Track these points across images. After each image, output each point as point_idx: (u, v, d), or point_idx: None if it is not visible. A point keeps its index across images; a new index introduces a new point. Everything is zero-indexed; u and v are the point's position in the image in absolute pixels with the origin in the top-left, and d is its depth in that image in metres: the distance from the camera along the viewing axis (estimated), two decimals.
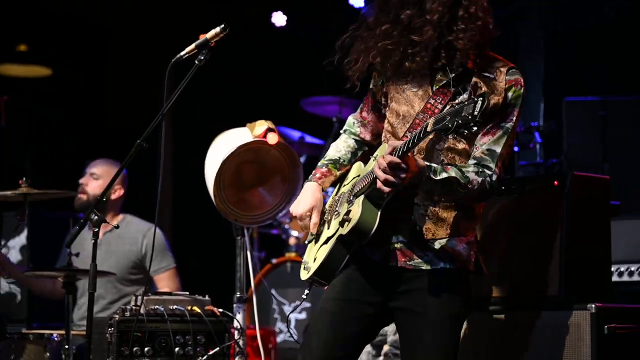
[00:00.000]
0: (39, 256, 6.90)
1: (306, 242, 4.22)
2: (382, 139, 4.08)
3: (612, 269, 5.34)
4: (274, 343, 7.74)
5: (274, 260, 8.23)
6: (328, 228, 4.04)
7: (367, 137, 4.23)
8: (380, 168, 3.66)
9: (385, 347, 5.97)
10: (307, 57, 9.46)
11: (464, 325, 4.70)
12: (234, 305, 5.49)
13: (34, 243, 6.97)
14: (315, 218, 4.08)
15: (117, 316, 5.19)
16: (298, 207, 4.11)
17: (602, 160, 8.14)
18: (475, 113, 3.46)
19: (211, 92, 9.28)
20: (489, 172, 3.85)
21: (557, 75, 9.48)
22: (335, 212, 4.03)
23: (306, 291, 4.17)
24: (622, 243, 5.48)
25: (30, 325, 6.69)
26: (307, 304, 8.02)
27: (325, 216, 4.11)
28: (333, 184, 4.25)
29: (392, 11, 3.93)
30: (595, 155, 8.19)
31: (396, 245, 3.91)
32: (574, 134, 8.41)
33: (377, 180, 3.68)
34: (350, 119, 4.26)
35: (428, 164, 3.75)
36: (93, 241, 4.36)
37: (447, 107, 3.79)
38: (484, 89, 3.85)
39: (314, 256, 4.03)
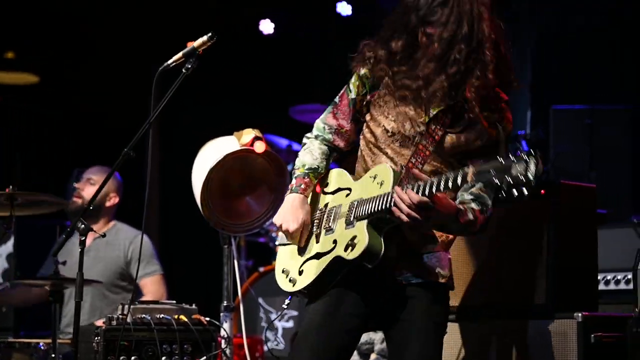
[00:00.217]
0: (25, 264, 6.87)
1: (278, 243, 4.18)
2: (363, 151, 4.07)
3: (599, 277, 5.34)
4: (261, 352, 7.72)
5: (261, 269, 8.20)
6: (317, 242, 4.00)
7: (342, 145, 4.16)
8: (404, 203, 3.65)
9: (373, 356, 5.97)
10: (295, 65, 9.50)
11: (452, 333, 4.72)
12: (221, 314, 5.48)
13: (21, 251, 6.95)
14: (305, 232, 4.05)
15: (103, 325, 5.17)
16: (290, 222, 4.01)
17: (589, 169, 8.15)
18: (530, 177, 3.44)
19: (198, 100, 9.26)
20: (488, 212, 3.92)
21: (544, 83, 9.48)
22: (328, 229, 3.97)
23: (287, 301, 4.16)
24: (609, 251, 5.48)
25: (17, 334, 6.67)
26: (294, 312, 8.00)
27: (314, 229, 4.06)
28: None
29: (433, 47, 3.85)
30: (582, 164, 8.20)
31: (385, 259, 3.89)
32: (561, 142, 8.42)
33: (398, 213, 3.68)
34: (320, 124, 4.16)
35: (457, 206, 3.79)
36: (80, 249, 4.34)
37: (455, 137, 3.88)
38: (484, 122, 3.88)
39: (299, 268, 4.00)
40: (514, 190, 3.47)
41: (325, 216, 4.02)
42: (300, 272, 3.98)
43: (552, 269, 4.52)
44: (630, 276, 5.36)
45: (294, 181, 4.10)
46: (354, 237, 3.81)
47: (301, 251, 4.05)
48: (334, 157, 4.19)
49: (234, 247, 5.57)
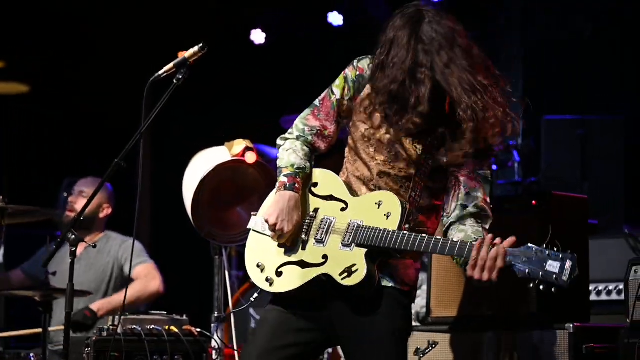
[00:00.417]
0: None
1: (253, 228, 4.06)
2: (346, 158, 4.06)
3: (591, 288, 5.33)
4: None
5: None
6: (303, 249, 3.92)
7: (322, 147, 4.10)
8: (486, 264, 3.68)
9: None
10: (287, 75, 9.49)
11: (443, 344, 4.71)
12: (212, 324, 5.46)
13: (11, 261, 6.94)
14: (295, 232, 3.95)
15: (94, 336, 5.15)
16: (286, 222, 3.90)
17: (582, 179, 8.14)
18: (565, 280, 3.47)
19: (189, 110, 9.25)
20: (487, 225, 3.94)
21: (536, 93, 9.48)
22: (318, 240, 3.91)
23: (255, 295, 4.11)
24: (601, 262, 5.48)
25: (8, 345, 6.64)
26: None
27: (302, 234, 3.97)
28: None
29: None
30: (574, 174, 8.19)
31: None
32: (552, 153, 8.41)
33: (477, 275, 3.72)
34: (300, 125, 4.09)
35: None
36: (70, 260, 4.31)
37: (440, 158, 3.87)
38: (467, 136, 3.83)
39: (277, 268, 3.93)
40: (541, 287, 3.51)
41: (316, 224, 3.95)
42: (279, 274, 3.91)
43: None
44: (621, 287, 5.36)
45: (285, 179, 3.97)
46: (353, 265, 3.77)
47: (280, 250, 3.96)
48: (313, 159, 4.12)
49: (224, 257, 5.55)
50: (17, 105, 9.58)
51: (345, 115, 4.05)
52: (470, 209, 3.90)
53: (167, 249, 9.59)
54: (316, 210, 3.97)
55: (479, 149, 3.86)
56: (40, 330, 5.52)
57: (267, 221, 3.92)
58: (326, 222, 3.93)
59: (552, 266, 3.46)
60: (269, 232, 3.95)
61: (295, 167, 3.98)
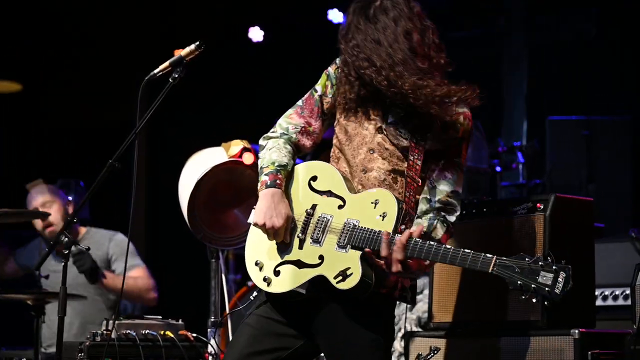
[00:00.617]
0: None
1: (250, 221, 3.99)
2: (331, 156, 4.02)
3: (596, 292, 5.28)
4: None
5: (250, 283, 8.10)
6: (300, 247, 3.86)
7: (307, 144, 4.05)
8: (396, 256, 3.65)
9: None
10: (284, 74, 9.44)
11: (445, 350, 4.65)
12: (209, 329, 5.39)
13: None
14: (289, 227, 3.89)
15: (87, 341, 5.07)
16: (275, 218, 3.83)
17: (587, 181, 8.09)
18: (557, 293, 3.46)
19: (186, 110, 9.22)
20: (454, 218, 3.90)
21: (540, 94, 9.44)
22: (314, 240, 3.84)
23: (255, 292, 4.04)
24: (607, 266, 5.43)
25: None
26: None
27: (298, 232, 3.91)
28: None
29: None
30: (579, 176, 8.15)
31: None
32: (557, 154, 8.37)
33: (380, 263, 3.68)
34: (284, 124, 4.06)
35: (428, 261, 3.74)
36: (63, 264, 4.25)
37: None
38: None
39: (275, 267, 3.87)
40: (534, 299, 3.47)
41: (313, 222, 3.88)
42: (277, 273, 3.86)
43: None
44: (628, 292, 5.30)
45: (265, 177, 3.92)
46: (347, 269, 3.72)
47: (279, 247, 3.90)
48: (295, 159, 4.06)
49: (221, 261, 5.49)
50: (9, 104, 9.55)
51: (329, 112, 4.02)
52: (434, 203, 3.89)
53: (163, 252, 9.58)
54: (314, 206, 3.90)
55: (447, 135, 3.87)
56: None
57: (256, 224, 3.86)
58: (323, 220, 3.86)
59: (545, 278, 3.43)
60: (270, 238, 3.90)
61: (277, 164, 3.93)
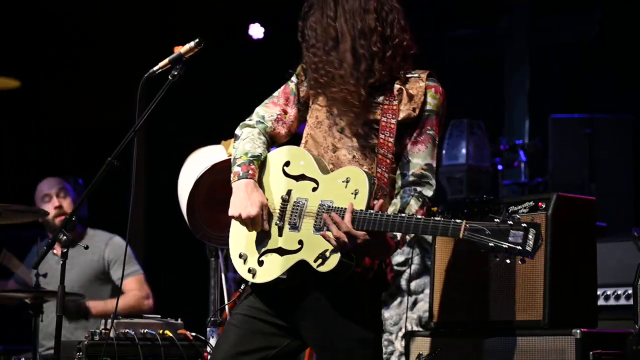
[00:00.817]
0: (8, 275, 6.77)
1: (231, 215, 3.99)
2: (302, 143, 4.00)
3: (598, 292, 5.24)
4: None
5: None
6: (280, 235, 3.84)
7: (282, 132, 4.04)
8: (340, 229, 3.62)
9: None
10: (284, 72, 9.41)
11: (445, 350, 4.63)
12: (208, 329, 5.35)
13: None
14: (266, 215, 3.86)
15: (85, 340, 5.04)
16: (249, 207, 3.83)
17: (589, 180, 8.07)
18: (528, 250, 3.40)
19: (185, 107, 9.21)
20: (430, 193, 3.85)
21: (542, 92, 9.42)
22: (292, 226, 3.82)
23: (242, 285, 4.05)
24: (609, 266, 5.41)
25: None
26: None
27: (276, 219, 3.88)
28: None
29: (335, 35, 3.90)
30: (581, 175, 8.12)
31: None
32: (560, 152, 8.35)
33: (327, 237, 3.66)
34: (260, 112, 4.06)
35: (392, 234, 3.69)
36: (61, 262, 4.22)
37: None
38: (406, 92, 3.85)
39: (259, 257, 3.85)
40: (507, 260, 3.44)
41: (289, 208, 3.85)
42: (261, 263, 3.84)
43: (549, 283, 4.43)
44: (630, 291, 5.28)
45: (238, 169, 3.92)
46: (326, 251, 3.70)
47: (260, 238, 3.89)
48: (269, 149, 4.06)
49: (221, 259, 5.46)
50: (9, 104, 9.53)
51: (305, 102, 4.03)
52: (408, 177, 3.86)
53: (162, 251, 9.56)
54: (289, 192, 3.88)
55: (417, 107, 3.85)
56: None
57: (232, 217, 3.88)
58: (298, 205, 3.84)
59: (516, 236, 3.37)
60: (249, 229, 3.90)
61: (249, 155, 3.93)
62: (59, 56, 9.52)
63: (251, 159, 3.92)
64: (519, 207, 4.60)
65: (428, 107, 3.88)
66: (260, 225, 3.85)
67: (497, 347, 4.51)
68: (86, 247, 4.99)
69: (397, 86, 3.86)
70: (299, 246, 3.76)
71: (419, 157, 3.86)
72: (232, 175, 3.94)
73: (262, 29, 9.40)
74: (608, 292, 5.54)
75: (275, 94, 4.08)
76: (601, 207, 4.88)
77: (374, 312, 3.92)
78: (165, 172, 6.18)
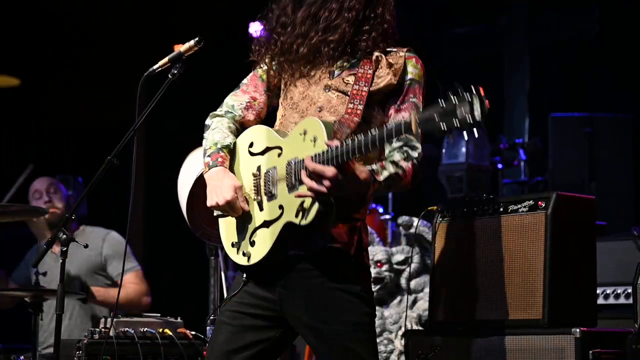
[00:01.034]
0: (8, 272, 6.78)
1: (216, 214, 4.01)
2: (278, 124, 4.01)
3: (598, 291, 5.25)
4: None
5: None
6: (261, 210, 3.85)
7: (252, 118, 4.05)
8: (306, 174, 3.62)
9: None
10: None
11: (444, 349, 4.63)
12: (207, 327, 5.34)
13: (4, 259, 6.89)
14: (242, 197, 3.87)
15: (85, 339, 5.05)
16: (222, 193, 3.84)
17: (589, 179, 8.06)
18: (478, 118, 3.32)
19: (185, 106, 9.20)
20: (415, 154, 3.81)
21: (542, 91, 9.41)
22: (270, 195, 3.82)
23: (244, 277, 3.97)
24: (609, 264, 5.40)
25: None
26: None
27: (253, 195, 3.90)
28: None
29: (307, 6, 3.93)
30: (581, 174, 8.12)
31: None
32: (559, 151, 8.34)
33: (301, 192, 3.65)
34: (230, 102, 4.07)
35: (370, 168, 3.69)
36: (61, 261, 4.26)
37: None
38: (386, 60, 3.86)
39: (250, 239, 3.86)
40: (464, 134, 3.38)
41: (262, 181, 3.87)
42: (252, 243, 3.84)
43: (548, 282, 4.43)
44: (630, 290, 5.28)
45: (208, 159, 3.94)
46: (303, 202, 3.69)
47: (245, 221, 3.90)
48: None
49: (220, 258, 5.45)
50: (9, 104, 9.53)
51: (275, 87, 4.05)
52: (394, 142, 3.82)
53: (162, 250, 9.55)
54: (259, 168, 3.90)
55: (397, 75, 3.86)
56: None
57: (211, 207, 3.89)
58: (269, 175, 3.85)
59: (463, 110, 3.32)
60: (229, 214, 3.92)
61: (219, 145, 3.95)
62: (59, 56, 9.52)
63: (220, 147, 3.95)
64: (519, 205, 4.60)
65: (409, 75, 3.89)
66: (239, 208, 3.86)
67: (496, 346, 4.50)
68: (86, 246, 4.97)
69: (375, 54, 3.88)
70: (281, 211, 3.76)
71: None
72: (203, 166, 3.96)
73: (262, 27, 9.40)
74: (608, 291, 5.54)
75: (244, 81, 4.09)
76: (601, 206, 4.88)
77: (365, 294, 3.88)
78: (164, 171, 6.17)
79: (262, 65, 4.05)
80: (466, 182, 8.13)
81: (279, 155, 3.83)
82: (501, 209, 4.66)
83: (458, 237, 4.77)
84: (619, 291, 5.51)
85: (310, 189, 3.61)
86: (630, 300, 4.71)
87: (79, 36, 9.52)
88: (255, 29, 9.12)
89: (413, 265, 6.46)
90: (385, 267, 6.40)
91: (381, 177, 3.70)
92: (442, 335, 4.72)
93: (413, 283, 6.46)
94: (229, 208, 3.86)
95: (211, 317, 5.35)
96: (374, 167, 3.73)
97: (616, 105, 8.62)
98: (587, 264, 4.62)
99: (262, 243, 3.81)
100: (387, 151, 3.85)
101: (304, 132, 3.74)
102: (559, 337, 4.33)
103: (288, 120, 3.93)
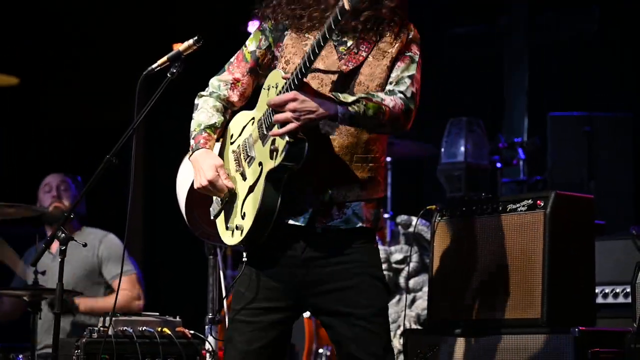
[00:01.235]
0: (6, 272, 6.75)
1: (213, 217, 4.05)
2: None
3: (597, 290, 5.25)
4: None
5: None
6: (244, 179, 3.87)
7: (235, 99, 4.05)
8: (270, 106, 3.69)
9: None
10: None
11: (442, 348, 4.63)
12: (206, 326, 5.34)
13: None
14: (224, 174, 3.89)
15: (84, 338, 5.03)
16: (204, 175, 3.88)
17: (588, 178, 8.05)
18: None
19: (183, 104, 9.19)
20: (402, 89, 3.80)
21: (541, 90, 9.40)
22: (249, 160, 3.86)
23: (244, 259, 3.96)
24: (607, 264, 5.40)
25: None
26: None
27: (235, 170, 3.95)
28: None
29: None
30: (580, 173, 8.11)
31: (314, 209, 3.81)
32: (558, 150, 8.33)
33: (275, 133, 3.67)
34: (215, 82, 4.07)
35: (333, 93, 3.70)
36: (60, 260, 4.26)
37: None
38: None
39: (241, 213, 3.85)
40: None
41: (241, 153, 3.93)
42: (244, 216, 3.84)
43: (547, 282, 4.44)
44: (628, 289, 5.27)
45: (192, 142, 3.98)
46: (273, 142, 3.71)
47: (233, 201, 3.91)
48: (229, 113, 4.08)
49: (219, 257, 5.43)
50: (9, 104, 9.52)
51: (263, 64, 4.02)
52: (388, 87, 3.84)
53: (160, 249, 9.53)
54: (239, 146, 3.96)
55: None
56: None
57: (199, 189, 3.91)
58: (246, 143, 3.91)
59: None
60: (216, 194, 3.94)
61: (202, 126, 3.99)
62: (59, 55, 9.51)
63: (204, 128, 3.98)
64: (518, 205, 4.61)
65: (410, 36, 3.90)
66: (222, 185, 3.87)
67: (495, 345, 4.51)
68: (84, 245, 4.96)
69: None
70: (260, 167, 3.77)
71: (398, 70, 3.86)
72: (189, 149, 3.99)
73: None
74: (606, 290, 5.53)
75: (231, 60, 4.08)
76: (600, 205, 4.88)
77: (384, 280, 3.93)
78: (163, 170, 6.17)
79: (248, 45, 4.03)
80: (465, 181, 8.12)
81: (252, 123, 3.91)
82: (500, 208, 4.66)
83: (457, 236, 4.77)
84: (617, 290, 5.51)
85: (275, 121, 3.65)
86: (629, 300, 4.71)
87: (78, 36, 9.50)
88: (253, 28, 9.11)
89: (412, 265, 6.46)
90: (384, 266, 6.40)
91: (349, 100, 3.69)
92: (441, 334, 4.74)
93: (412, 282, 6.46)
94: (212, 187, 3.88)
95: (210, 316, 5.36)
96: (339, 94, 3.73)
97: (616, 104, 8.61)
98: (586, 263, 4.63)
99: (252, 209, 3.80)
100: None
101: (267, 87, 3.82)
102: (558, 336, 4.35)
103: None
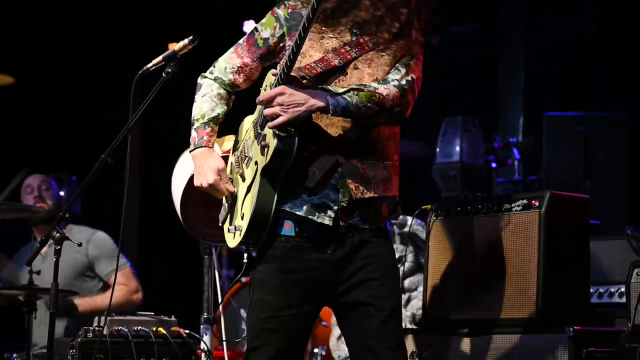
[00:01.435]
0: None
1: (220, 223, 4.07)
2: None
3: (592, 290, 5.26)
4: None
5: (244, 279, 8.04)
6: (244, 180, 3.89)
7: (241, 82, 4.06)
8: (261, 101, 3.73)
9: None
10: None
11: (439, 348, 4.63)
12: (201, 326, 5.33)
13: None
14: (225, 178, 3.92)
15: (79, 337, 5.03)
16: (206, 176, 3.91)
17: (584, 178, 8.06)
18: None
19: (179, 104, 9.19)
20: (396, 77, 3.81)
21: (539, 92, 9.40)
22: (247, 161, 3.88)
23: (245, 260, 3.99)
24: (602, 263, 5.41)
25: None
26: None
27: (236, 171, 3.98)
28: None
29: None
30: (576, 173, 8.11)
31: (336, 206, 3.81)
32: (554, 150, 8.33)
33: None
34: (222, 64, 4.06)
35: (322, 86, 3.72)
36: (55, 259, 4.28)
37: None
38: None
39: (240, 214, 3.87)
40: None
41: (241, 154, 3.96)
42: (243, 216, 3.85)
43: (542, 281, 4.44)
44: (623, 289, 5.28)
45: (194, 134, 4.00)
46: (264, 138, 3.73)
47: (235, 203, 3.94)
48: (232, 100, 4.11)
49: (214, 257, 5.42)
50: (8, 104, 9.51)
51: (275, 52, 4.00)
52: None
53: (156, 248, 9.53)
54: (240, 149, 4.00)
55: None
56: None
57: (200, 188, 3.94)
58: (245, 145, 3.94)
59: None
60: (216, 195, 3.97)
61: (206, 118, 4.01)
62: (58, 55, 9.51)
63: (207, 121, 4.00)
64: (513, 204, 4.61)
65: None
66: (223, 189, 3.91)
67: (490, 344, 4.51)
68: (80, 245, 4.96)
69: None
70: (256, 166, 3.79)
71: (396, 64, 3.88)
72: (190, 139, 4.01)
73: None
74: (601, 290, 5.54)
75: (240, 42, 4.06)
76: (595, 205, 4.88)
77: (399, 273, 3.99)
78: (158, 169, 6.15)
79: (260, 30, 3.99)
80: (460, 181, 8.12)
81: (252, 125, 3.93)
82: (495, 208, 4.66)
83: (452, 236, 4.77)
84: (612, 290, 5.51)
85: (265, 116, 3.68)
86: (624, 299, 4.72)
87: (78, 36, 9.50)
88: (250, 27, 9.12)
89: (407, 264, 6.46)
90: None
91: (340, 90, 3.69)
92: (436, 334, 4.74)
93: (407, 282, 6.45)
94: (213, 190, 3.92)
95: (205, 316, 5.35)
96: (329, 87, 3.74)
97: (611, 104, 8.61)
98: (581, 263, 4.63)
99: (249, 208, 3.80)
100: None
101: (265, 87, 3.84)
102: (553, 336, 4.35)
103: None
